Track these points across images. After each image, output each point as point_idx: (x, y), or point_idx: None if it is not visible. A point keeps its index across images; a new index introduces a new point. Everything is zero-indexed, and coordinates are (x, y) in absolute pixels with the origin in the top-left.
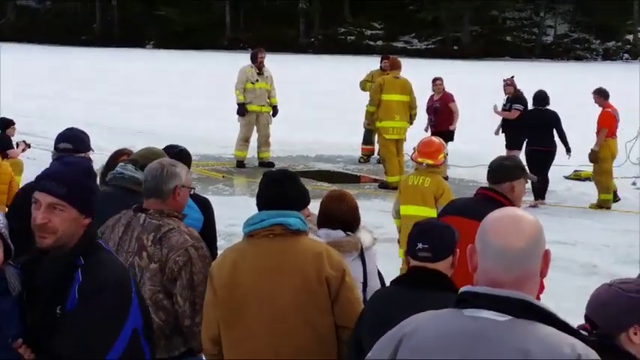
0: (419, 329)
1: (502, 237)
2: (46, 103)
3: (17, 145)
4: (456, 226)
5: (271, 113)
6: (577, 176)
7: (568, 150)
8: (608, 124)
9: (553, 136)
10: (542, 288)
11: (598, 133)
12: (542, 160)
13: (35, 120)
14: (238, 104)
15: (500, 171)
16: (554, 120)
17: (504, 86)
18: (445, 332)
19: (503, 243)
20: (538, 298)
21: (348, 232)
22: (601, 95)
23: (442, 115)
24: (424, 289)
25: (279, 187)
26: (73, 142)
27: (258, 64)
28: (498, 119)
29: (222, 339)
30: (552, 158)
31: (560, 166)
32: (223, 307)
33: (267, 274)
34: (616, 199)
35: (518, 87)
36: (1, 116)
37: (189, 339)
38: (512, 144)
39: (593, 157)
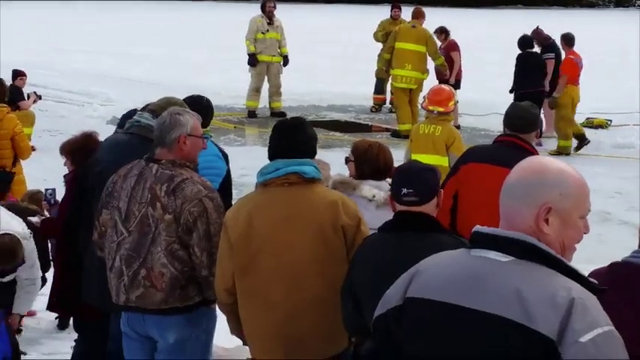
0: (429, 268)
1: (512, 173)
2: (57, 55)
3: (28, 96)
4: (483, 173)
5: (282, 63)
6: (589, 124)
7: (551, 93)
8: (569, 70)
9: (540, 78)
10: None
11: (559, 79)
12: (533, 101)
13: (46, 72)
14: (249, 54)
15: (528, 119)
16: (536, 62)
17: (533, 40)
18: (451, 271)
19: (508, 177)
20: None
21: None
22: (566, 42)
23: (450, 64)
24: (412, 231)
25: (293, 136)
26: None
27: (267, 13)
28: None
29: (237, 289)
30: (543, 98)
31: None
32: (239, 258)
33: (283, 224)
34: (584, 142)
35: (546, 33)
36: (13, 68)
37: (204, 289)
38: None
39: (553, 103)
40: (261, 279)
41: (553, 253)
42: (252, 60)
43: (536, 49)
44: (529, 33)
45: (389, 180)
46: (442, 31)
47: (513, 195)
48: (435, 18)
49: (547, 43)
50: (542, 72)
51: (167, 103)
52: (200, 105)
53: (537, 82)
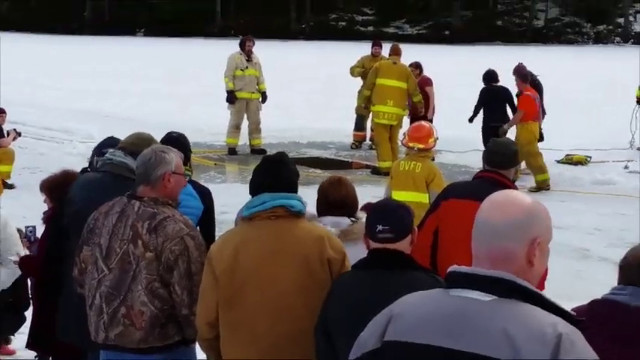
0: (407, 310)
1: (486, 213)
2: (37, 91)
3: (8, 133)
4: (464, 209)
5: (260, 100)
6: (569, 160)
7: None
8: (526, 106)
9: (505, 112)
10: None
11: (514, 117)
12: (495, 135)
13: (26, 109)
14: (228, 92)
15: (508, 155)
16: (505, 96)
17: (496, 74)
18: (431, 313)
19: (484, 218)
20: (542, 284)
21: (352, 218)
22: (521, 78)
23: (425, 100)
24: (387, 269)
25: (279, 171)
26: None
27: (247, 51)
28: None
29: (221, 322)
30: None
31: (553, 150)
32: (224, 291)
33: (270, 257)
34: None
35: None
36: None
37: (184, 327)
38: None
39: (501, 133)
40: (246, 312)
41: (533, 289)
42: (231, 97)
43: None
44: (509, 69)
45: (359, 215)
46: (417, 67)
47: (501, 235)
48: (411, 54)
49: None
50: (510, 105)
51: (137, 139)
52: (181, 143)
53: (503, 116)
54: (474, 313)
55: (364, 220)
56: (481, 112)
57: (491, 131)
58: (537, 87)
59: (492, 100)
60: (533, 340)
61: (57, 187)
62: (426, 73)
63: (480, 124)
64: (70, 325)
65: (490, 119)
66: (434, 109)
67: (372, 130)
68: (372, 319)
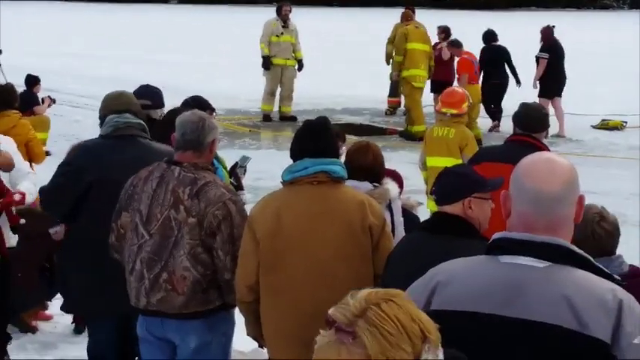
0: (454, 277)
1: (537, 181)
2: (71, 60)
3: (43, 100)
4: (498, 172)
5: (296, 67)
6: (605, 125)
7: (518, 82)
8: (466, 69)
9: (505, 70)
10: None
11: (459, 80)
12: (495, 91)
13: (61, 77)
14: (263, 57)
15: (539, 119)
16: (504, 55)
17: (495, 33)
18: (483, 280)
19: (537, 187)
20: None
21: (375, 184)
22: (454, 46)
23: (443, 66)
24: (444, 233)
25: (321, 136)
26: (151, 98)
27: (283, 16)
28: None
29: (262, 286)
30: (504, 90)
31: (587, 115)
32: (266, 254)
33: (312, 222)
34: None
35: (555, 35)
36: (27, 73)
37: (226, 292)
38: (548, 92)
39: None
40: (287, 276)
41: (585, 255)
42: (267, 63)
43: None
44: (539, 34)
45: (385, 182)
46: (443, 31)
47: (561, 202)
48: (447, 19)
49: (545, 43)
50: (508, 64)
51: (127, 98)
52: (205, 103)
53: (503, 74)
54: (531, 279)
55: (387, 186)
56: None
57: (492, 89)
58: (559, 50)
59: (492, 59)
60: (595, 307)
61: None
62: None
63: (517, 92)
64: (78, 296)
65: (490, 77)
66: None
67: (403, 95)
68: (411, 285)
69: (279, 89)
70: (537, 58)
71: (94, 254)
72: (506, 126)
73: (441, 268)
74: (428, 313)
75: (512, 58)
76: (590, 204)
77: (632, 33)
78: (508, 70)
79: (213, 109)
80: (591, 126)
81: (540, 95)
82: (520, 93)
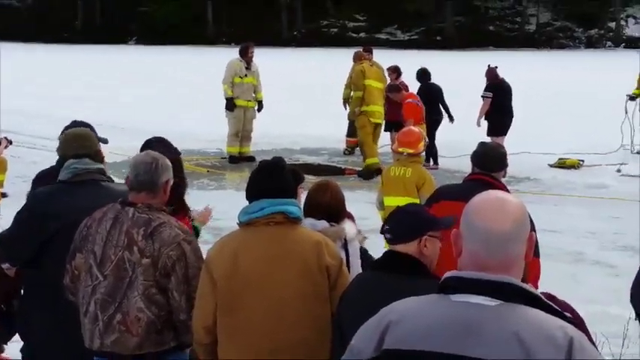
0: (406, 316)
1: (487, 220)
2: (29, 101)
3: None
4: (453, 210)
5: (257, 108)
6: (562, 164)
7: (450, 118)
8: (412, 114)
9: (439, 108)
10: (537, 274)
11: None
12: (430, 128)
13: (18, 117)
14: (227, 99)
15: (498, 158)
16: (437, 93)
17: (428, 72)
18: (435, 319)
19: (487, 226)
20: (536, 286)
21: (332, 223)
22: (398, 91)
23: (395, 105)
24: (397, 272)
25: (277, 176)
26: None
27: (247, 58)
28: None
29: (219, 328)
30: (437, 126)
31: (545, 154)
32: (223, 296)
33: (269, 263)
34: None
35: (500, 75)
36: None
37: (181, 333)
38: (495, 131)
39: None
40: (245, 317)
41: (535, 292)
42: (230, 104)
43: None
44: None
45: (345, 222)
46: (394, 70)
47: (511, 240)
48: (407, 60)
49: (490, 82)
50: (440, 102)
51: (83, 138)
52: (168, 145)
53: (436, 110)
54: (482, 318)
55: (344, 225)
56: None
57: (435, 124)
58: (505, 89)
59: (427, 97)
60: (545, 344)
61: None
62: (404, 78)
63: (475, 130)
64: (38, 340)
65: (432, 113)
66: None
67: (357, 127)
68: (363, 325)
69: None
70: (482, 97)
71: (56, 298)
72: (452, 164)
73: (393, 307)
74: (381, 352)
75: (448, 96)
76: None
77: (588, 72)
78: (441, 108)
79: (178, 152)
80: (548, 165)
81: (489, 134)
82: (473, 132)
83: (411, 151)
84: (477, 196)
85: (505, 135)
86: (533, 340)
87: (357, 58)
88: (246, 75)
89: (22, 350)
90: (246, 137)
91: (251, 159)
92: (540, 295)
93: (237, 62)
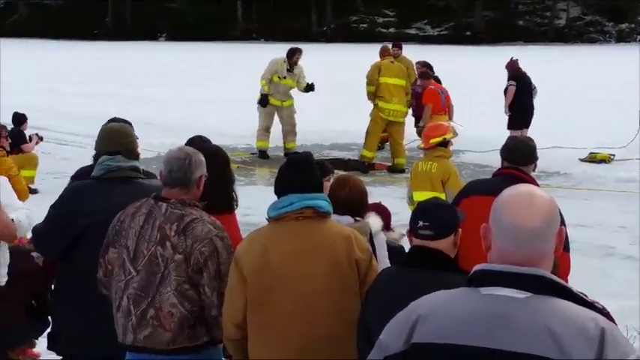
0: (435, 310)
1: (516, 215)
2: (60, 98)
3: (30, 138)
4: (485, 205)
5: (305, 90)
6: (592, 158)
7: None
8: (431, 100)
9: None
10: (567, 268)
11: (424, 110)
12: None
13: (48, 115)
14: (262, 94)
15: (528, 152)
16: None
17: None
18: (464, 312)
19: (516, 221)
20: (566, 281)
21: (357, 218)
22: (426, 78)
23: (421, 101)
24: (426, 268)
25: (306, 171)
26: None
27: (292, 61)
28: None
29: (249, 323)
30: None
31: (576, 148)
32: (253, 292)
33: (299, 258)
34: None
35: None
36: (14, 111)
37: (213, 328)
38: (515, 124)
39: (419, 132)
40: (275, 313)
41: (565, 284)
42: (265, 100)
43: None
44: (529, 68)
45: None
46: (423, 65)
47: (540, 237)
48: (432, 55)
49: (511, 74)
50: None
51: (120, 135)
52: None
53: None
54: (512, 311)
55: (368, 220)
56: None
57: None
58: (525, 81)
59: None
60: (577, 336)
61: None
62: (439, 73)
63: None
64: (70, 335)
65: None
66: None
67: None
68: (392, 319)
69: (277, 126)
70: (506, 88)
71: (87, 292)
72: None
73: (422, 301)
74: (410, 346)
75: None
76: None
77: (618, 66)
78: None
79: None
80: (579, 159)
81: (509, 127)
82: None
83: (422, 145)
84: (506, 191)
85: (527, 128)
86: (565, 332)
87: (381, 54)
88: (285, 77)
89: (53, 345)
90: (290, 132)
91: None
92: (570, 287)
93: (280, 62)
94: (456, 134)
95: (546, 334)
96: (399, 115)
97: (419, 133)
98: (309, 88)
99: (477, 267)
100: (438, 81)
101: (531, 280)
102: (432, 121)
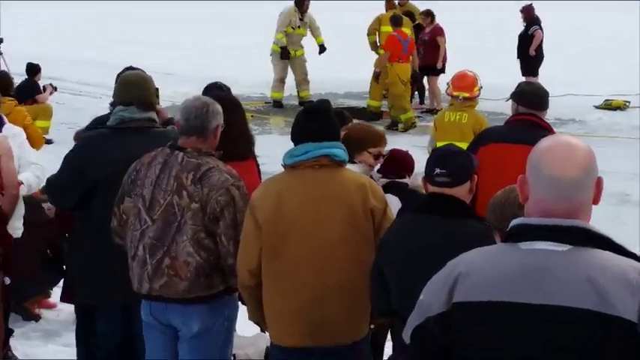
0: (474, 268)
1: (555, 166)
2: (72, 47)
3: (44, 88)
4: (503, 153)
5: (319, 51)
6: (608, 105)
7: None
8: (390, 47)
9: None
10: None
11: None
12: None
13: (62, 65)
14: (282, 47)
15: (544, 97)
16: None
17: (522, 15)
18: (505, 268)
19: (556, 173)
20: None
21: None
22: (393, 22)
23: (430, 49)
24: (443, 215)
25: (323, 120)
26: None
27: (303, 10)
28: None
29: (264, 270)
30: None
31: (591, 95)
32: (268, 239)
33: (314, 205)
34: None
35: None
36: (28, 62)
37: (229, 277)
38: (531, 70)
39: (375, 76)
40: (290, 261)
41: (605, 234)
42: (286, 53)
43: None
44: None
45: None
46: (428, 14)
47: (578, 188)
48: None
49: (530, 20)
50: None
51: (137, 86)
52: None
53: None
54: (552, 264)
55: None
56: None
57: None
58: (537, 21)
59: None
60: (620, 286)
61: None
62: (439, 21)
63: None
64: (87, 285)
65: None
66: (445, 58)
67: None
68: (431, 279)
69: (291, 76)
70: (531, 33)
71: (102, 242)
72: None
73: (461, 259)
74: (451, 306)
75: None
76: (512, 186)
77: (635, 11)
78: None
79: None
80: (594, 106)
81: (525, 74)
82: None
83: (466, 94)
84: (543, 142)
85: (537, 76)
86: (607, 283)
87: (386, 7)
88: (299, 26)
89: (68, 295)
90: (302, 81)
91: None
92: (609, 236)
93: (292, 12)
94: (481, 86)
95: (589, 286)
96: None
97: (376, 79)
98: (322, 49)
99: (515, 221)
100: (419, 29)
101: (569, 232)
102: (391, 69)
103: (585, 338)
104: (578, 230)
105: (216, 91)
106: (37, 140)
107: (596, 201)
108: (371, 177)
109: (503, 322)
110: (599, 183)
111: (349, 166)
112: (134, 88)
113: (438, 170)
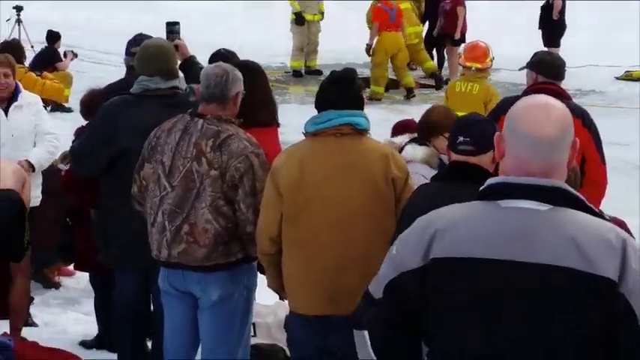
0: (453, 224)
1: (533, 125)
2: (92, 13)
3: (65, 54)
4: None
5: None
6: (628, 76)
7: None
8: (377, 17)
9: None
10: (604, 180)
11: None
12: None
13: (82, 32)
14: (296, 13)
15: (562, 66)
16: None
17: None
18: (487, 226)
19: (533, 131)
20: (603, 193)
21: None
22: None
23: (450, 18)
24: (466, 183)
25: (347, 88)
26: None
27: None
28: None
29: (284, 238)
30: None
31: (611, 66)
32: (289, 206)
33: (336, 173)
34: (410, 95)
35: None
36: (48, 29)
37: (248, 245)
38: (553, 41)
39: (366, 49)
40: (310, 229)
41: (581, 196)
42: (301, 19)
43: None
44: None
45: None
46: None
47: (556, 147)
48: None
49: None
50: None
51: (161, 58)
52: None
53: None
54: (535, 223)
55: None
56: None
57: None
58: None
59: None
60: (601, 247)
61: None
62: None
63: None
64: (114, 248)
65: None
66: (464, 28)
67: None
68: (403, 233)
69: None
70: (551, 3)
71: (130, 207)
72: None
73: (437, 215)
74: (429, 261)
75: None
76: None
77: None
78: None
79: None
80: (615, 77)
81: (547, 45)
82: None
83: (478, 65)
84: (521, 101)
85: (559, 47)
86: (589, 243)
87: None
88: None
89: (99, 260)
90: (312, 51)
91: (318, 72)
92: (584, 198)
93: None
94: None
95: (572, 246)
96: (412, 37)
97: (366, 51)
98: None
99: (492, 180)
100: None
101: (550, 192)
102: (379, 39)
103: (568, 296)
104: (559, 191)
105: (222, 58)
106: (58, 91)
107: (570, 163)
108: (440, 160)
109: (486, 279)
110: (574, 144)
111: (419, 149)
112: (155, 61)
113: (461, 138)
